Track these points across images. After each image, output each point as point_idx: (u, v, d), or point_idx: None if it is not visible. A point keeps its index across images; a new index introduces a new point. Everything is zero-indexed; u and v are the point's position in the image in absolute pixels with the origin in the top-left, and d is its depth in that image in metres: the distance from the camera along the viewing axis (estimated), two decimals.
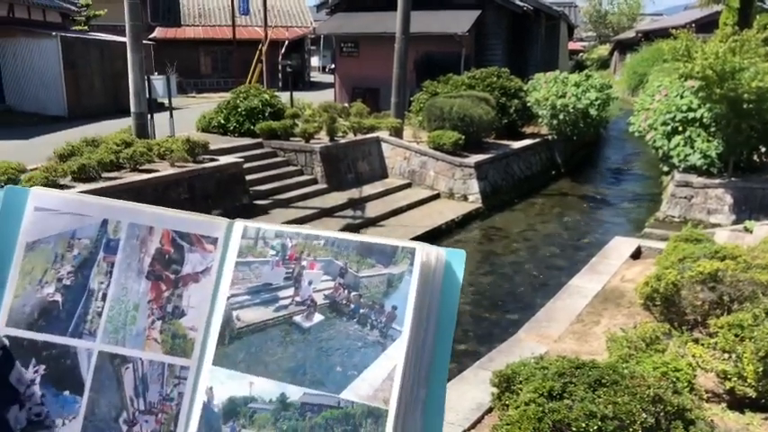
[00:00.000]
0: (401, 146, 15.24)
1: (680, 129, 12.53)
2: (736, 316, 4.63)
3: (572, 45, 44.32)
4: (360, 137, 15.08)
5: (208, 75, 32.68)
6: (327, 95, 24.02)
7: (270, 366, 0.66)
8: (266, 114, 15.06)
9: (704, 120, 12.18)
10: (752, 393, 4.33)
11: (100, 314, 0.70)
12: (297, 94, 18.98)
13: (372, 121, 16.01)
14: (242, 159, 12.52)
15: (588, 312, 6.63)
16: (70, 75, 19.62)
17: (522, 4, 22.52)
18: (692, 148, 12.27)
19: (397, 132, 15.68)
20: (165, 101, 14.43)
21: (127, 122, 13.31)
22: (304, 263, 0.70)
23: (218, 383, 0.67)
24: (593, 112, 16.80)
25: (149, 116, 13.10)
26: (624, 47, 43.00)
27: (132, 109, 12.82)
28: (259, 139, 14.41)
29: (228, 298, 0.70)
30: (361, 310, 0.67)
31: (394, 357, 0.64)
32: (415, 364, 0.66)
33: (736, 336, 4.43)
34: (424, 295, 0.66)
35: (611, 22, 56.49)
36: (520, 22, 23.28)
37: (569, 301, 6.93)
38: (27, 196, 0.72)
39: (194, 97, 27.68)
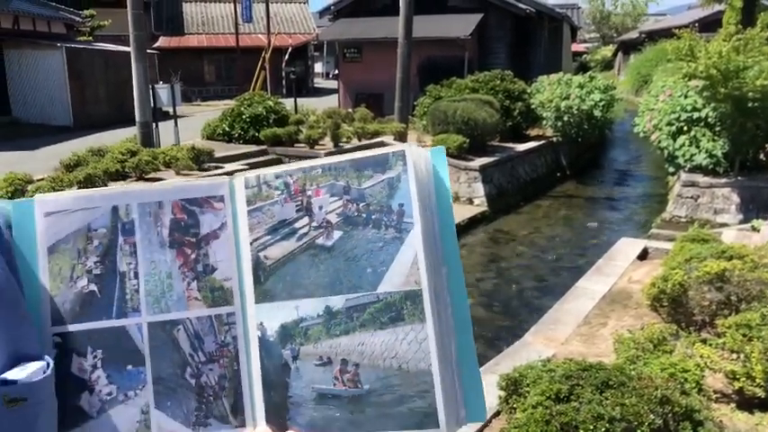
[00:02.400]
0: None
1: (685, 129, 12.48)
2: (744, 316, 4.61)
3: (575, 47, 44.30)
4: (364, 142, 15.12)
5: (212, 83, 32.83)
6: (331, 101, 24.08)
7: (308, 287, 0.74)
8: (270, 121, 15.12)
9: (709, 119, 12.13)
10: (761, 393, 4.31)
11: (137, 291, 0.76)
12: (301, 101, 19.05)
13: (376, 125, 16.05)
14: (247, 166, 12.56)
15: (595, 314, 6.61)
16: (75, 85, 19.75)
17: (524, 6, 22.53)
18: (698, 147, 12.22)
19: (402, 137, 15.71)
20: (170, 109, 14.51)
21: (132, 131, 13.39)
22: (309, 192, 0.76)
23: (267, 317, 0.75)
24: (597, 113, 16.77)
25: (154, 125, 13.17)
26: (628, 47, 42.94)
27: (137, 118, 12.90)
28: (264, 146, 14.47)
29: (251, 243, 0.77)
30: (373, 216, 0.74)
31: (413, 245, 0.72)
32: (432, 248, 0.74)
33: (744, 335, 4.41)
34: (422, 187, 0.74)
35: (615, 23, 56.43)
36: (522, 25, 23.29)
37: (576, 303, 6.91)
38: (33, 205, 0.76)
39: (199, 105, 27.81)
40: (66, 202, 0.77)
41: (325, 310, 0.73)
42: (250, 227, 0.77)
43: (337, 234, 0.75)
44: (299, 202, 0.76)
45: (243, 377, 0.75)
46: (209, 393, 0.75)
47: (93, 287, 0.76)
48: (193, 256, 0.77)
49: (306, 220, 0.76)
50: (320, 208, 0.76)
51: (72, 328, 0.75)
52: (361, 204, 0.75)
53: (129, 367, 0.74)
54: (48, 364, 0.71)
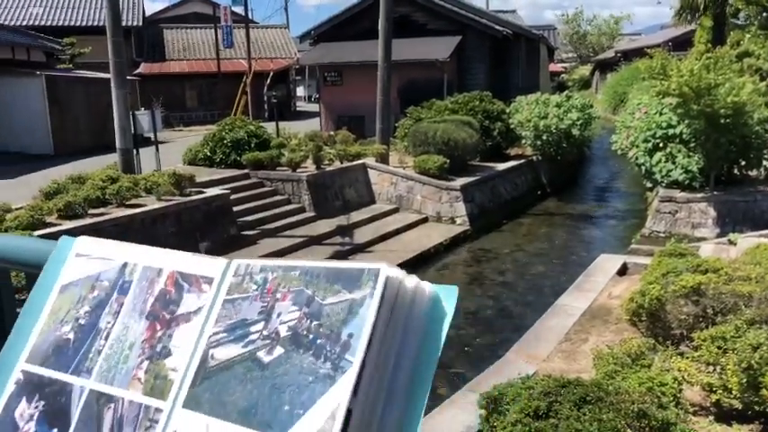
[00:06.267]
0: (387, 171, 15.35)
1: (661, 145, 12.72)
2: (719, 328, 4.69)
3: (553, 67, 44.98)
4: (346, 164, 15.18)
5: (194, 108, 32.82)
6: (313, 124, 24.18)
7: (227, 407, 0.66)
8: (252, 145, 15.15)
9: (684, 136, 12.38)
10: (738, 405, 4.37)
11: (100, 352, 0.74)
12: (283, 124, 19.12)
13: (358, 148, 16.14)
14: (229, 191, 12.56)
15: (576, 331, 6.67)
16: (55, 113, 19.67)
17: (501, 28, 22.91)
18: (674, 163, 12.45)
19: (383, 158, 15.81)
20: (151, 135, 14.50)
21: (113, 158, 13.34)
22: (278, 295, 0.68)
23: (183, 426, 0.67)
24: (575, 131, 17.02)
25: (135, 151, 13.15)
26: (604, 66, 43.70)
27: (118, 145, 12.87)
28: (246, 170, 14.48)
29: (210, 337, 0.70)
30: (319, 341, 0.63)
31: (340, 394, 0.58)
32: (376, 404, 0.60)
33: (720, 348, 4.48)
34: (389, 322, 0.61)
35: (591, 43, 57.46)
36: (500, 46, 23.66)
37: (557, 320, 6.97)
38: (73, 244, 0.78)
39: (181, 130, 27.78)
40: (94, 246, 0.79)
41: None
42: (217, 318, 0.71)
43: (278, 351, 0.65)
44: (265, 304, 0.69)
45: None
46: None
47: (72, 335, 0.76)
48: (159, 333, 0.73)
49: (261, 325, 0.68)
50: (278, 315, 0.67)
51: (37, 369, 0.75)
52: (314, 323, 0.64)
53: (55, 431, 0.73)
54: None
